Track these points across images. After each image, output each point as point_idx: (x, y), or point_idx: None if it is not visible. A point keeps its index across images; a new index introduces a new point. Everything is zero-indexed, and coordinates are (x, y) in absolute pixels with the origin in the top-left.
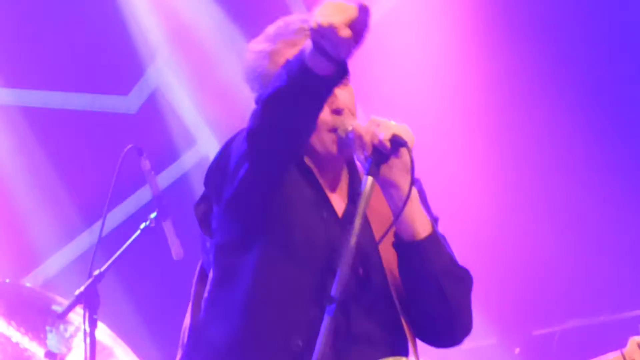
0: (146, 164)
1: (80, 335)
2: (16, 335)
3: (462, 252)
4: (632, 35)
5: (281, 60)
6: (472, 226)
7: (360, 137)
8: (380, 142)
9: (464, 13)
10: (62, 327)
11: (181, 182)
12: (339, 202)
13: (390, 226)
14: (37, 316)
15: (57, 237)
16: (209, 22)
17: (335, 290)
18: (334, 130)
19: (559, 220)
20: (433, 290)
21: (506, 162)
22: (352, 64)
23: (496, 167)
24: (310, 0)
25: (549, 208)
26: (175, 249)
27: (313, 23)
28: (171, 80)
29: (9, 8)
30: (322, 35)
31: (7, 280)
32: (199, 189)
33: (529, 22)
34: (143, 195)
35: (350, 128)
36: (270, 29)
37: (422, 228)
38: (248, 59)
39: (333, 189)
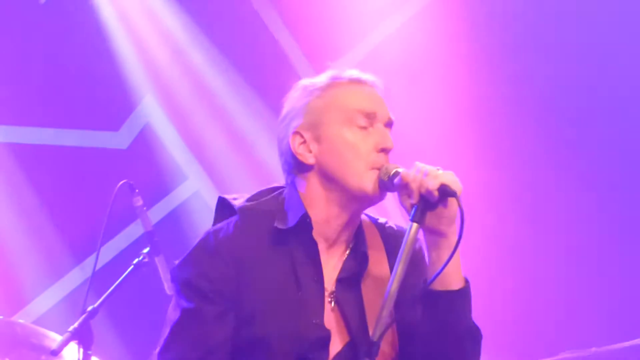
0: (138, 200)
1: None
2: None
3: None
4: (627, 37)
5: (334, 93)
6: (467, 253)
7: (406, 185)
8: (428, 191)
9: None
10: None
11: (172, 217)
12: (335, 267)
13: (437, 273)
14: (31, 353)
15: (49, 273)
16: (199, 56)
17: (375, 333)
18: (375, 168)
19: (551, 253)
20: (453, 347)
21: (503, 189)
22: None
23: (492, 189)
24: (296, 32)
25: (545, 238)
26: (168, 284)
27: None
28: (161, 115)
29: None
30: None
31: (0, 317)
32: (189, 224)
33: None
34: (134, 230)
35: (393, 172)
36: (325, 73)
37: (456, 279)
38: (295, 91)
39: (332, 250)
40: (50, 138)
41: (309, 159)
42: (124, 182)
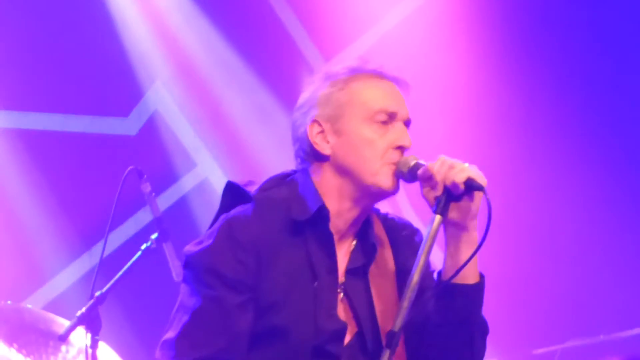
0: (147, 187)
1: (82, 357)
2: (18, 358)
3: None
4: (629, 36)
5: (356, 87)
6: None
7: (430, 177)
8: (454, 184)
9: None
10: (64, 348)
11: (181, 204)
12: (343, 258)
13: (461, 267)
14: (39, 338)
15: (58, 259)
16: (207, 46)
17: (397, 324)
18: (391, 164)
19: (559, 239)
20: (463, 339)
21: (505, 179)
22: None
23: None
24: (304, 18)
25: (549, 227)
26: (176, 270)
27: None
28: (170, 102)
29: (8, 31)
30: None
31: (9, 302)
32: (198, 211)
33: (531, 24)
34: (143, 217)
35: (413, 164)
36: (346, 63)
37: (472, 274)
38: (316, 79)
39: (340, 242)
40: (59, 124)
41: (326, 150)
42: (133, 168)
